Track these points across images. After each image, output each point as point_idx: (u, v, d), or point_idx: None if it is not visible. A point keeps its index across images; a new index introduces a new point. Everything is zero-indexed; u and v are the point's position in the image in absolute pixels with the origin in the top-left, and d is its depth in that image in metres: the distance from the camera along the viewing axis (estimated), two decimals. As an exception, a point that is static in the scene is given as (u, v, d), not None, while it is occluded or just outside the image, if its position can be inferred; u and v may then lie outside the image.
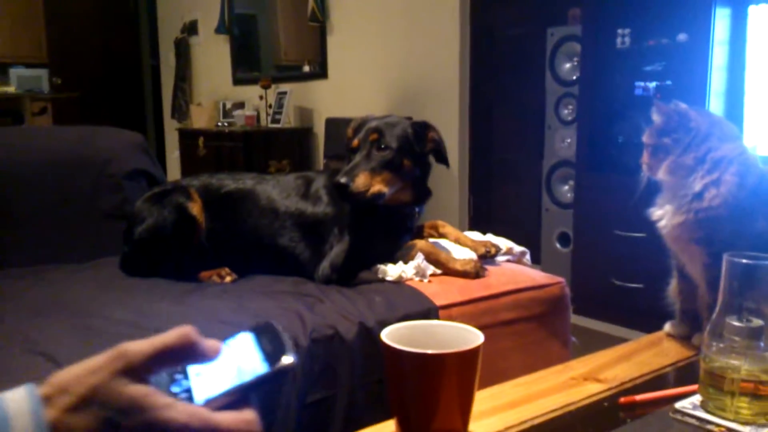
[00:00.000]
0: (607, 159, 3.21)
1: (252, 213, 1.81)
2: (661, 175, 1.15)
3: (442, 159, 1.76)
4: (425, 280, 1.65)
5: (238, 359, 0.53)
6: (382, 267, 1.66)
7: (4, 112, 6.78)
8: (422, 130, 1.71)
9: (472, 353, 0.83)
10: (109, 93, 7.73)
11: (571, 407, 0.97)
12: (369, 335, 1.38)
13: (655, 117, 1.18)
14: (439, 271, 1.71)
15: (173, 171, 6.26)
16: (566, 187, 3.58)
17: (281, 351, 0.52)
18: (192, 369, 0.53)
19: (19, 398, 0.46)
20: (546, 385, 1.05)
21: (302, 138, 5.25)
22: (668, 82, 3.01)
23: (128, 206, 2.05)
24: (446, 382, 0.83)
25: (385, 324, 0.89)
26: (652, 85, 3.06)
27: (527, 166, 3.88)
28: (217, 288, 1.67)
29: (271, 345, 0.53)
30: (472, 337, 0.87)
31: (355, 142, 1.65)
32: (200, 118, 6.04)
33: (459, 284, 1.65)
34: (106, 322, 1.38)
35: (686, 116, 1.14)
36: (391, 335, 0.86)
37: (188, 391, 0.51)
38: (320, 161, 4.91)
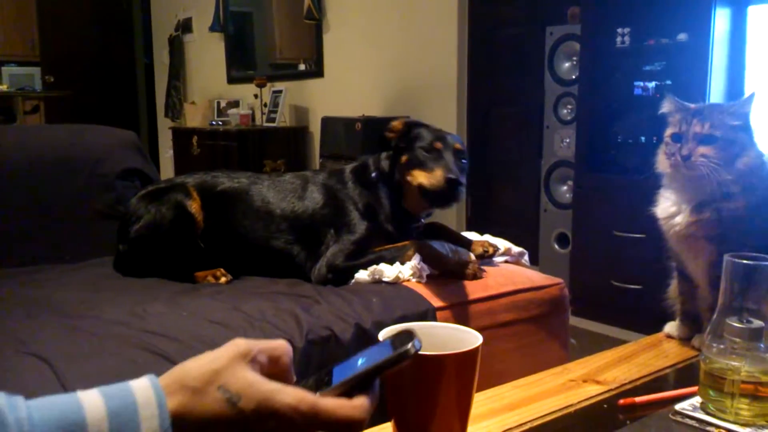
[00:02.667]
0: (606, 159, 3.20)
1: (247, 214, 1.80)
2: (712, 165, 1.07)
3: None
4: (422, 281, 1.64)
5: (371, 356, 0.58)
6: (378, 268, 1.64)
7: (-5, 110, 6.76)
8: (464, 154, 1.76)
9: (471, 355, 0.82)
10: (102, 91, 7.70)
11: (570, 409, 0.96)
12: (365, 336, 1.36)
13: (734, 108, 1.10)
14: (436, 272, 1.69)
15: (166, 170, 6.24)
16: (565, 188, 3.57)
17: (407, 342, 0.57)
18: (337, 368, 0.59)
19: (144, 387, 0.50)
20: (545, 387, 1.04)
21: (298, 137, 5.23)
22: (668, 82, 3.00)
23: (121, 205, 2.04)
24: (444, 384, 0.82)
25: (381, 325, 0.88)
26: (652, 84, 3.06)
27: (526, 166, 3.87)
28: (212, 289, 1.65)
29: (401, 341, 0.58)
30: (470, 338, 0.85)
31: (438, 144, 1.66)
32: (194, 117, 6.02)
33: (456, 285, 1.64)
34: (98, 322, 1.37)
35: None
36: (388, 336, 0.85)
37: (327, 384, 0.57)
38: (316, 160, 4.90)
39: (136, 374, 0.56)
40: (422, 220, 1.82)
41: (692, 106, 1.14)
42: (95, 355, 1.21)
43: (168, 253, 1.78)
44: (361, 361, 0.59)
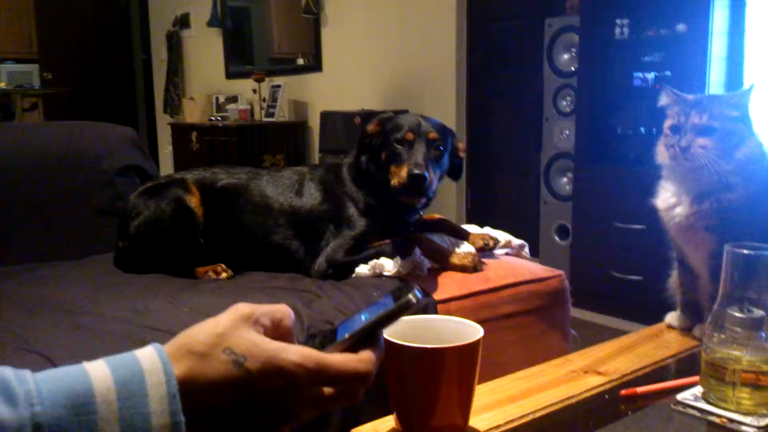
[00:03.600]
0: (606, 150, 3.20)
1: (246, 209, 1.80)
2: (709, 156, 1.07)
3: (458, 172, 1.83)
4: (423, 275, 1.64)
5: (374, 311, 0.59)
6: (379, 262, 1.64)
7: (-7, 108, 6.75)
8: (453, 135, 1.76)
9: (472, 347, 0.82)
10: (100, 88, 7.69)
11: (572, 400, 0.97)
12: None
13: (732, 98, 1.10)
14: (437, 266, 1.70)
15: (166, 166, 6.23)
16: (565, 180, 3.57)
17: (408, 293, 0.58)
18: (341, 327, 0.60)
19: (150, 355, 0.50)
20: (546, 378, 1.04)
21: (297, 132, 5.23)
22: (667, 73, 3.00)
23: (121, 202, 2.03)
24: (446, 377, 0.82)
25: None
26: (651, 75, 3.05)
27: (525, 158, 3.87)
28: (213, 284, 1.65)
29: (401, 294, 0.58)
30: (471, 331, 0.85)
31: (409, 134, 1.65)
32: (193, 113, 6.01)
33: (457, 278, 1.64)
34: (99, 319, 1.37)
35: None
36: (389, 330, 0.85)
37: (331, 341, 0.58)
38: (315, 155, 4.89)
39: None
40: (420, 213, 1.82)
41: (690, 97, 1.14)
42: (97, 351, 1.20)
43: (168, 249, 1.78)
44: (364, 317, 0.59)
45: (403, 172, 1.60)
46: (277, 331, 0.58)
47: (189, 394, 0.49)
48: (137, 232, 1.78)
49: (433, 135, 1.66)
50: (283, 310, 0.59)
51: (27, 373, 0.48)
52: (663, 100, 1.17)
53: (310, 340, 0.60)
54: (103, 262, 1.87)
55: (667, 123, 1.14)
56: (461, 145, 1.79)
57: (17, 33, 7.66)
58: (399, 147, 1.65)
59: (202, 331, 0.53)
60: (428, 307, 1.49)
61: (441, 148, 1.67)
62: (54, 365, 1.13)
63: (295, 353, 0.53)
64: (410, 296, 0.57)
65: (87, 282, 1.69)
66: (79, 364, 0.49)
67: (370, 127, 1.75)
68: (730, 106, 1.09)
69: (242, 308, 0.56)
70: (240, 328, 0.54)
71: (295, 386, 0.53)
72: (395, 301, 0.58)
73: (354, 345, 0.56)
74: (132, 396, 0.47)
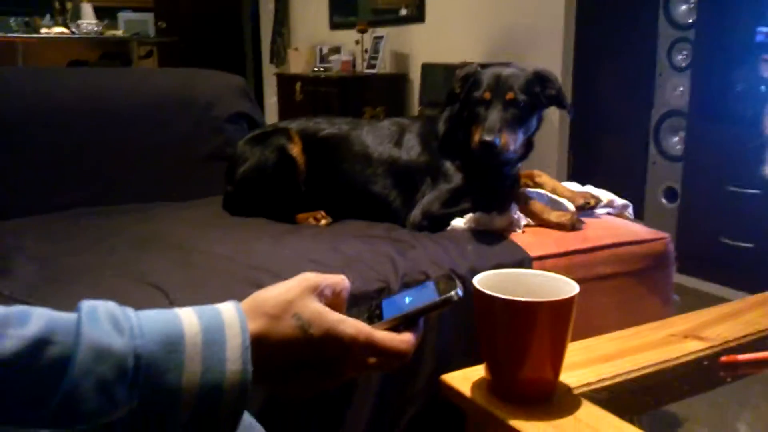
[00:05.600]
0: (722, 109, 3.00)
1: (346, 158, 1.83)
2: None
3: (564, 107, 1.73)
4: (519, 231, 1.62)
5: (417, 296, 0.66)
6: (474, 216, 1.64)
7: (113, 55, 7.09)
8: (544, 82, 1.66)
9: (566, 303, 0.82)
10: (210, 38, 7.95)
11: (669, 364, 0.95)
12: (460, 282, 1.37)
13: None
14: (533, 223, 1.67)
15: (271, 115, 6.39)
16: (676, 139, 3.39)
17: (452, 289, 0.65)
18: (386, 302, 0.68)
19: (230, 310, 0.57)
20: (643, 340, 1.03)
21: (397, 84, 5.21)
22: (795, 27, 2.77)
23: (229, 148, 2.11)
24: (538, 331, 0.82)
25: (476, 272, 0.89)
26: (777, 30, 2.82)
27: (635, 115, 3.69)
28: (313, 230, 1.71)
29: (445, 286, 0.66)
30: (566, 287, 0.85)
31: (486, 94, 1.60)
32: (298, 63, 6.10)
33: (555, 236, 1.61)
34: (206, 257, 1.45)
35: None
36: (483, 281, 0.86)
37: (379, 317, 0.65)
38: (415, 108, 4.87)
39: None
40: (519, 166, 1.78)
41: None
42: (205, 286, 1.29)
43: (271, 195, 1.85)
44: (408, 300, 0.67)
45: (476, 137, 1.57)
46: (335, 300, 0.65)
47: (259, 349, 0.56)
48: (243, 177, 1.86)
49: (510, 95, 1.59)
50: (342, 283, 0.67)
51: (129, 310, 0.54)
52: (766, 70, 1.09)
53: (355, 310, 0.67)
54: (212, 204, 1.97)
55: None
56: (552, 85, 1.66)
57: (134, -17, 8.00)
58: (477, 107, 1.61)
59: (274, 296, 0.60)
60: (523, 262, 1.49)
61: (521, 104, 1.59)
62: (168, 297, 1.22)
63: (351, 326, 0.60)
64: (453, 293, 0.64)
65: (196, 222, 1.79)
66: (171, 309, 0.56)
67: (456, 83, 1.72)
68: None
69: (310, 278, 0.63)
70: (307, 297, 0.61)
71: (348, 354, 0.60)
72: (438, 291, 0.65)
73: (396, 326, 0.64)
74: (213, 343, 0.54)
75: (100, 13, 6.72)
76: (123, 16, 7.39)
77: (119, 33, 6.78)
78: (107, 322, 0.52)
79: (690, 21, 3.21)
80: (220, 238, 1.60)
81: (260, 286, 1.25)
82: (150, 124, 2.17)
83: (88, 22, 6.30)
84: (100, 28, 6.40)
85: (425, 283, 0.69)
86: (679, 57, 3.31)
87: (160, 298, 1.22)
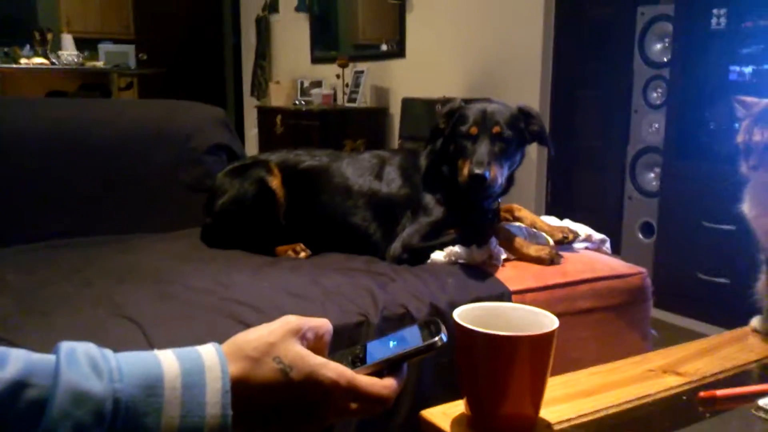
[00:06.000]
0: (696, 146, 3.06)
1: (326, 190, 1.83)
2: None
3: (546, 144, 1.75)
4: (499, 265, 1.63)
5: (402, 340, 0.67)
6: (454, 249, 1.64)
7: (92, 86, 7.08)
8: (527, 118, 1.69)
9: (546, 337, 0.82)
10: (191, 70, 7.99)
11: (648, 399, 0.95)
12: (440, 316, 1.37)
13: None
14: (513, 257, 1.68)
15: (251, 148, 6.40)
16: (652, 175, 3.45)
17: (436, 334, 0.65)
18: (370, 346, 0.68)
19: (210, 352, 0.57)
20: (622, 375, 1.03)
21: (378, 118, 5.26)
22: (766, 67, 2.84)
23: (209, 179, 2.11)
24: (518, 366, 0.82)
25: (456, 306, 0.88)
26: (749, 69, 2.90)
27: (611, 151, 3.76)
28: (292, 263, 1.70)
29: (429, 331, 0.66)
30: (546, 321, 0.85)
31: (473, 129, 1.62)
32: (279, 96, 6.14)
33: (534, 270, 1.62)
34: (184, 289, 1.43)
35: None
36: (463, 315, 0.85)
37: (362, 360, 0.65)
38: (395, 141, 4.91)
39: (220, 340, 0.61)
40: (499, 201, 1.80)
41: (756, 109, 1.09)
42: (183, 320, 1.27)
43: (250, 227, 1.84)
44: (392, 344, 0.67)
45: (465, 171, 1.58)
46: (318, 343, 0.65)
47: (239, 392, 0.56)
48: (222, 209, 1.85)
49: (497, 129, 1.61)
50: (325, 326, 0.67)
51: (108, 352, 0.54)
52: (737, 111, 1.13)
53: (339, 353, 0.67)
54: (191, 236, 1.95)
55: (738, 138, 1.11)
56: (533, 127, 1.69)
57: (116, 15, 8.05)
58: (464, 141, 1.63)
59: (256, 338, 0.60)
60: (503, 297, 1.49)
61: (508, 139, 1.61)
62: (144, 331, 1.20)
63: (333, 370, 0.60)
64: (437, 339, 0.64)
65: (174, 254, 1.77)
66: (151, 351, 0.56)
67: (440, 119, 1.73)
68: None
69: (292, 321, 0.63)
70: (289, 340, 0.61)
71: (329, 398, 0.60)
72: (423, 335, 0.66)
73: (380, 370, 0.64)
74: (193, 386, 0.54)
75: (81, 44, 6.73)
76: (104, 47, 7.40)
77: (99, 64, 6.78)
78: (86, 365, 0.51)
79: (665, 60, 3.30)
80: (198, 270, 1.59)
81: (239, 319, 1.25)
82: (129, 155, 2.16)
83: (69, 53, 6.30)
84: (81, 59, 6.40)
85: (410, 327, 0.69)
86: (654, 95, 3.39)
87: (136, 332, 1.20)
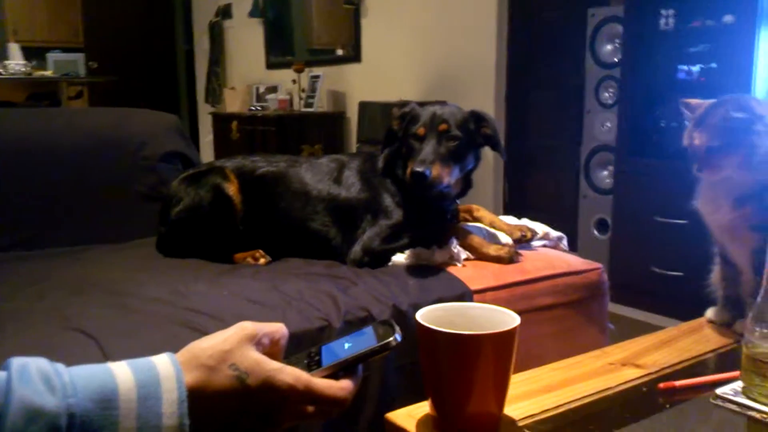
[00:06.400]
0: (648, 144, 3.14)
1: (285, 196, 1.82)
2: (730, 172, 1.08)
3: (497, 149, 1.74)
4: (459, 265, 1.64)
5: (356, 342, 0.67)
6: (415, 251, 1.65)
7: (41, 95, 6.91)
8: (479, 121, 1.69)
9: (508, 335, 0.82)
10: (143, 77, 7.84)
11: (609, 392, 0.96)
12: (402, 318, 1.37)
13: (730, 114, 1.09)
14: (473, 257, 1.69)
15: (207, 155, 6.32)
16: (605, 173, 3.52)
17: (390, 334, 0.66)
18: (324, 348, 0.68)
19: (165, 363, 0.56)
20: (583, 369, 1.04)
21: (335, 122, 5.25)
22: (713, 65, 2.93)
23: (163, 187, 2.07)
24: (482, 364, 0.82)
25: (418, 307, 0.88)
26: (696, 68, 2.98)
27: (565, 150, 3.83)
28: (251, 269, 1.68)
29: (384, 331, 0.67)
30: (507, 319, 0.85)
31: (421, 130, 1.62)
32: (234, 102, 6.08)
33: (494, 269, 1.63)
34: (141, 300, 1.40)
35: (749, 104, 1.08)
36: (426, 316, 0.85)
37: (317, 363, 0.65)
38: (353, 145, 4.91)
39: (178, 350, 0.60)
40: (457, 202, 1.81)
41: (699, 111, 1.12)
42: (139, 331, 1.24)
43: (207, 236, 1.81)
44: (347, 345, 0.67)
45: (409, 169, 1.58)
46: (274, 348, 0.66)
47: (196, 401, 0.56)
48: (177, 218, 1.82)
49: (443, 127, 1.61)
50: (281, 331, 0.67)
51: (61, 367, 0.53)
52: (684, 114, 1.16)
53: (294, 356, 0.68)
54: (146, 245, 1.91)
55: (683, 141, 1.14)
56: (484, 130, 1.69)
57: (64, 22, 7.86)
58: (413, 142, 1.63)
59: (211, 346, 0.60)
60: (464, 296, 1.49)
61: (455, 138, 1.61)
62: (99, 344, 1.17)
63: (289, 375, 0.61)
64: (391, 339, 0.65)
65: (130, 265, 1.74)
66: (105, 364, 0.55)
67: (393, 120, 1.74)
68: (736, 109, 1.08)
69: (247, 327, 0.63)
70: (244, 346, 0.61)
71: (286, 402, 0.61)
72: (377, 336, 0.66)
73: (335, 372, 0.64)
74: (149, 397, 0.53)
75: (29, 53, 6.56)
76: (52, 56, 7.24)
77: (48, 73, 6.62)
78: (38, 381, 0.50)
79: (615, 60, 3.37)
80: (154, 280, 1.55)
81: (197, 329, 1.23)
82: (80, 164, 2.11)
83: (16, 62, 6.14)
84: (28, 68, 6.24)
85: (364, 329, 0.69)
86: (606, 94, 3.46)
87: (91, 345, 1.17)
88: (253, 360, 0.60)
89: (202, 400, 0.56)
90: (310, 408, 0.62)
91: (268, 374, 0.59)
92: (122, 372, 0.54)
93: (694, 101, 1.14)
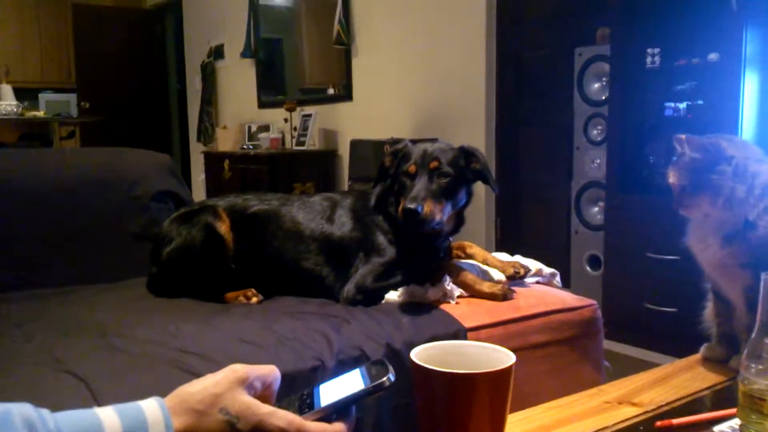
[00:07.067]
0: (638, 180, 3.16)
1: (277, 235, 1.81)
2: (706, 210, 1.10)
3: (488, 183, 1.74)
4: (452, 302, 1.63)
5: (349, 383, 0.66)
6: (408, 289, 1.64)
7: (33, 136, 6.93)
8: (468, 157, 1.70)
9: (504, 374, 0.81)
10: (136, 117, 7.88)
11: (606, 431, 0.95)
12: (396, 357, 1.36)
13: (687, 152, 1.12)
14: (466, 294, 1.69)
15: (199, 193, 6.32)
16: (596, 209, 3.54)
17: (383, 374, 0.65)
18: (317, 390, 0.67)
19: (153, 408, 0.55)
20: (579, 408, 1.03)
21: (327, 160, 5.28)
22: (699, 102, 2.97)
23: (155, 227, 2.06)
24: (477, 404, 0.81)
25: (412, 346, 0.88)
26: (683, 105, 3.03)
27: (556, 187, 3.85)
28: (244, 309, 1.66)
29: (376, 371, 0.66)
30: (503, 357, 0.85)
31: (412, 167, 1.62)
32: (226, 141, 6.11)
33: (487, 306, 1.63)
34: (132, 341, 1.38)
35: (719, 146, 1.10)
36: (420, 355, 0.85)
37: (310, 406, 0.64)
38: (345, 183, 4.92)
39: (169, 392, 0.59)
40: (450, 240, 1.81)
41: (679, 151, 1.15)
42: (130, 373, 1.22)
43: (199, 275, 1.80)
44: (340, 387, 0.66)
45: (401, 207, 1.58)
46: (265, 391, 0.65)
47: None
48: (168, 258, 1.81)
49: (434, 164, 1.61)
50: (273, 374, 0.66)
51: (46, 413, 0.52)
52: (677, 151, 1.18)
53: (287, 398, 0.67)
54: (137, 286, 1.90)
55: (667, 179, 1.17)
56: (474, 165, 1.70)
57: (56, 63, 7.94)
58: (405, 179, 1.64)
59: (201, 390, 0.58)
60: (458, 334, 1.48)
61: (446, 175, 1.62)
62: (88, 386, 1.15)
63: (282, 419, 0.59)
64: (384, 379, 0.65)
65: (120, 305, 1.72)
66: (90, 409, 0.54)
67: (386, 157, 1.75)
68: (694, 150, 1.11)
69: (238, 370, 0.61)
70: (235, 390, 0.59)
71: None
72: (371, 377, 0.66)
73: (328, 415, 0.63)
74: None
75: (21, 93, 6.60)
76: (44, 96, 7.28)
77: (40, 114, 6.65)
78: (22, 428, 0.49)
79: (603, 98, 3.41)
80: (145, 321, 1.54)
81: (189, 370, 1.21)
82: (72, 204, 2.10)
83: (8, 103, 6.16)
84: (20, 109, 6.27)
85: (357, 368, 0.69)
86: (595, 131, 3.50)
87: (81, 387, 1.15)
88: (244, 404, 0.59)
89: None
90: None
91: (260, 418, 0.58)
92: (109, 418, 0.53)
93: (685, 137, 1.16)
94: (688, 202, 1.12)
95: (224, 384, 0.59)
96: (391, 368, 0.66)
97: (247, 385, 0.61)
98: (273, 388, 0.66)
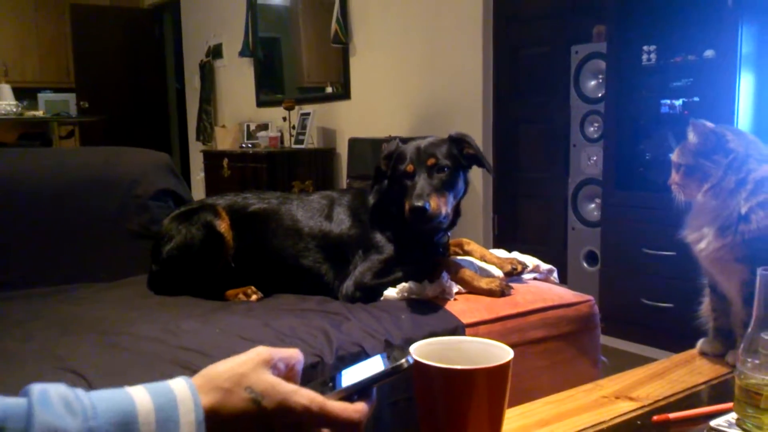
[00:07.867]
0: (634, 176, 3.18)
1: (277, 233, 1.82)
2: (699, 197, 1.14)
3: (484, 165, 1.74)
4: (451, 299, 1.64)
5: (370, 366, 0.69)
6: (407, 285, 1.65)
7: (32, 135, 6.92)
8: (460, 144, 1.70)
9: (502, 369, 0.82)
10: (134, 116, 7.87)
11: (603, 425, 0.96)
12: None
13: (691, 136, 1.15)
14: (464, 290, 1.70)
15: (198, 192, 6.33)
16: (593, 206, 3.55)
17: (403, 357, 0.68)
18: (339, 374, 0.69)
19: (181, 386, 0.58)
20: (577, 403, 1.04)
21: (325, 158, 5.28)
22: (695, 99, 2.98)
23: (155, 226, 2.07)
24: (476, 399, 0.82)
25: (411, 342, 0.89)
26: (679, 102, 3.04)
27: (553, 184, 3.86)
28: (243, 306, 1.67)
29: (396, 355, 0.69)
30: (501, 353, 0.85)
31: (410, 167, 1.63)
32: (224, 140, 6.11)
33: (486, 302, 1.64)
34: (132, 339, 1.39)
35: (723, 137, 1.12)
36: (419, 351, 0.85)
37: (332, 388, 0.66)
38: (343, 181, 4.94)
39: None
40: (448, 234, 1.82)
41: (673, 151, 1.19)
42: (130, 370, 1.23)
43: (198, 273, 1.81)
44: (361, 370, 0.68)
45: (407, 206, 1.59)
46: (289, 373, 0.67)
47: (212, 423, 0.57)
48: (169, 256, 1.82)
49: (431, 161, 1.63)
50: (296, 356, 0.68)
51: (81, 391, 0.54)
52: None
53: (310, 383, 0.68)
54: (137, 284, 1.91)
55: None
56: (467, 150, 1.70)
57: (55, 63, 7.93)
58: (404, 180, 1.65)
59: (227, 369, 0.61)
60: (457, 330, 1.50)
61: (445, 169, 1.63)
62: (89, 384, 1.16)
63: (305, 397, 0.61)
64: (403, 361, 0.67)
65: (121, 303, 1.73)
66: (122, 388, 0.56)
67: (381, 161, 1.75)
68: (696, 134, 1.14)
69: (263, 352, 0.64)
70: (260, 369, 0.62)
71: (301, 424, 0.61)
72: (389, 360, 0.68)
73: (350, 395, 0.65)
74: (167, 420, 0.54)
75: (20, 93, 6.59)
76: (43, 96, 7.27)
77: (39, 113, 6.64)
78: (59, 405, 0.51)
79: (599, 95, 3.42)
80: (145, 318, 1.55)
81: (189, 367, 1.22)
82: (72, 204, 2.11)
83: (7, 103, 6.16)
84: (19, 109, 6.26)
85: (378, 354, 0.71)
86: (591, 129, 3.50)
87: (82, 385, 1.16)
88: (268, 382, 0.61)
89: (219, 422, 0.57)
90: (325, 430, 0.62)
91: (284, 396, 0.60)
92: (140, 396, 0.55)
93: (694, 122, 1.17)
94: (680, 181, 1.16)
95: (249, 364, 0.62)
96: (409, 352, 0.69)
97: (271, 366, 0.63)
98: (296, 369, 0.68)
